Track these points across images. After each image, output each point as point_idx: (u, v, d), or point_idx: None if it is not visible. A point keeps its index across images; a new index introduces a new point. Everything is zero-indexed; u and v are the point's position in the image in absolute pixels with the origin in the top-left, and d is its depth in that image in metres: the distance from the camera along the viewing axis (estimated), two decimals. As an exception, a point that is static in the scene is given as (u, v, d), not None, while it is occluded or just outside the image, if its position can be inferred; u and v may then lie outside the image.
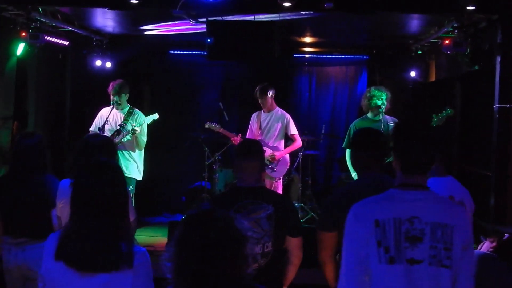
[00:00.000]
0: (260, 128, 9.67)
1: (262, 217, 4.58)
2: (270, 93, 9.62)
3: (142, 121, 8.93)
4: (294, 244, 4.76)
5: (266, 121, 9.68)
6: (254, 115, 9.90)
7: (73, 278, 3.28)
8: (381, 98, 8.58)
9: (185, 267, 2.68)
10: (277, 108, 9.75)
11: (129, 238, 3.38)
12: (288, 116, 9.66)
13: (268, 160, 9.49)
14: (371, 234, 3.31)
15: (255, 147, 4.95)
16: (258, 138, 9.55)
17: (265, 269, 4.59)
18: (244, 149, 4.92)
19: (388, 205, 3.37)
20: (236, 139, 9.81)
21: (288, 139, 9.81)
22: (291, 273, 4.84)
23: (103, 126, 8.69)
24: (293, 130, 9.64)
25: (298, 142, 9.73)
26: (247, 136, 9.85)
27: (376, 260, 3.30)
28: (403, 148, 3.45)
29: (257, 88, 9.70)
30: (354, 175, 8.43)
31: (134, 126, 8.74)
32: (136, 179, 9.04)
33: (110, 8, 8.42)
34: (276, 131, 9.58)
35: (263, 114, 9.75)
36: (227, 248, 2.69)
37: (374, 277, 3.32)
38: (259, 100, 9.68)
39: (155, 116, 9.07)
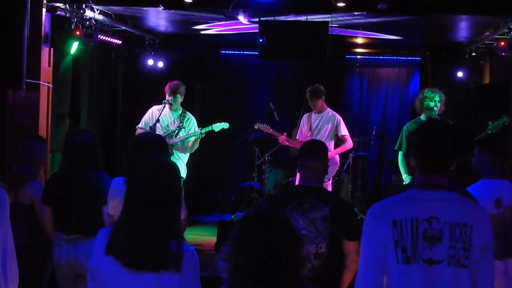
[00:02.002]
0: (310, 129, 9.62)
1: (317, 217, 4.56)
2: (321, 96, 9.57)
3: (193, 125, 8.99)
4: (350, 248, 4.69)
5: (317, 122, 9.60)
6: (305, 116, 9.84)
7: (121, 274, 3.29)
8: (434, 100, 8.45)
9: (243, 268, 2.69)
10: (328, 109, 9.66)
11: (179, 237, 3.37)
12: (338, 117, 9.57)
13: None
14: (388, 234, 3.26)
15: (319, 147, 4.97)
16: (308, 139, 9.50)
17: (320, 271, 4.57)
18: (308, 149, 4.95)
19: (406, 205, 3.32)
20: (282, 138, 9.80)
21: (339, 140, 9.74)
22: (347, 278, 4.77)
23: (155, 125, 8.74)
24: (344, 131, 9.54)
25: (349, 143, 9.61)
26: (297, 137, 9.82)
27: (394, 261, 3.25)
28: (420, 147, 3.38)
29: (308, 89, 9.64)
30: (405, 177, 8.44)
31: (201, 130, 8.85)
32: (183, 177, 9.09)
33: (164, 8, 8.47)
34: (326, 132, 9.50)
35: (313, 115, 9.69)
36: (286, 249, 2.69)
37: (391, 277, 3.28)
38: (309, 102, 9.62)
39: (226, 125, 9.12)
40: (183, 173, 9.04)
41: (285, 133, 9.88)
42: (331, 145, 9.53)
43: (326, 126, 9.50)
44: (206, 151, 12.24)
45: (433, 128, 3.41)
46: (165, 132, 8.84)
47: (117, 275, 3.30)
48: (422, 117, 8.61)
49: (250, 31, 9.92)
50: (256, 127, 10.23)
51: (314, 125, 9.61)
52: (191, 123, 9.03)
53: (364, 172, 12.09)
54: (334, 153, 9.49)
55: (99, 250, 3.39)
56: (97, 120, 11.06)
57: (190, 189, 9.70)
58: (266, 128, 10.12)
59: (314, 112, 9.69)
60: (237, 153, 12.44)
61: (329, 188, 9.61)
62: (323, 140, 9.24)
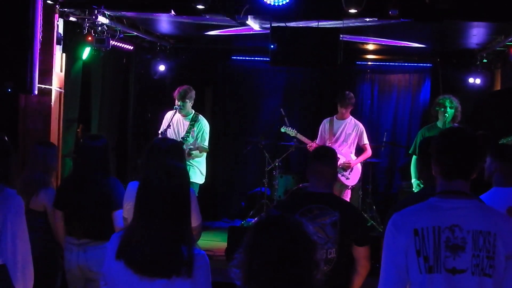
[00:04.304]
0: (334, 135, 9.62)
1: (327, 223, 4.59)
2: (353, 104, 9.64)
3: (203, 129, 9.00)
4: (360, 254, 4.74)
5: (341, 129, 9.64)
6: (325, 121, 9.84)
7: (132, 279, 3.30)
8: (447, 106, 8.50)
9: (258, 274, 2.68)
10: (350, 116, 9.71)
11: (190, 242, 3.37)
12: (361, 126, 9.68)
13: (342, 168, 9.45)
14: (410, 243, 3.23)
15: (329, 154, 5.00)
16: (330, 145, 9.46)
17: (330, 277, 4.56)
18: (318, 155, 4.99)
19: (427, 213, 3.28)
20: (313, 145, 9.73)
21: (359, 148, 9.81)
22: (357, 283, 4.81)
23: (166, 130, 8.76)
24: (365, 140, 9.69)
25: (369, 152, 9.81)
26: (317, 142, 9.78)
27: (416, 270, 3.22)
28: (442, 151, 3.36)
29: (342, 95, 9.68)
30: (413, 181, 8.44)
31: (194, 146, 8.87)
32: (198, 183, 9.08)
33: (176, 14, 8.48)
34: (349, 139, 9.58)
35: (335, 121, 9.69)
36: (300, 253, 2.68)
37: (414, 287, 3.26)
38: (341, 106, 9.64)
39: None
40: (200, 179, 9.06)
41: (315, 141, 9.86)
42: (352, 152, 9.64)
43: (351, 134, 9.59)
44: (216, 156, 12.24)
45: (457, 134, 3.39)
46: (176, 136, 8.86)
47: (129, 280, 3.31)
48: (439, 123, 8.62)
49: (261, 32, 9.87)
50: (282, 130, 10.21)
51: (338, 132, 9.62)
52: (201, 126, 9.05)
53: (375, 178, 12.04)
54: (357, 161, 9.66)
55: (111, 254, 3.39)
56: (108, 126, 11.07)
57: (200, 195, 9.69)
58: (293, 132, 10.07)
59: (336, 118, 9.70)
60: (247, 159, 12.43)
61: (349, 196, 9.64)
62: (346, 147, 9.45)
